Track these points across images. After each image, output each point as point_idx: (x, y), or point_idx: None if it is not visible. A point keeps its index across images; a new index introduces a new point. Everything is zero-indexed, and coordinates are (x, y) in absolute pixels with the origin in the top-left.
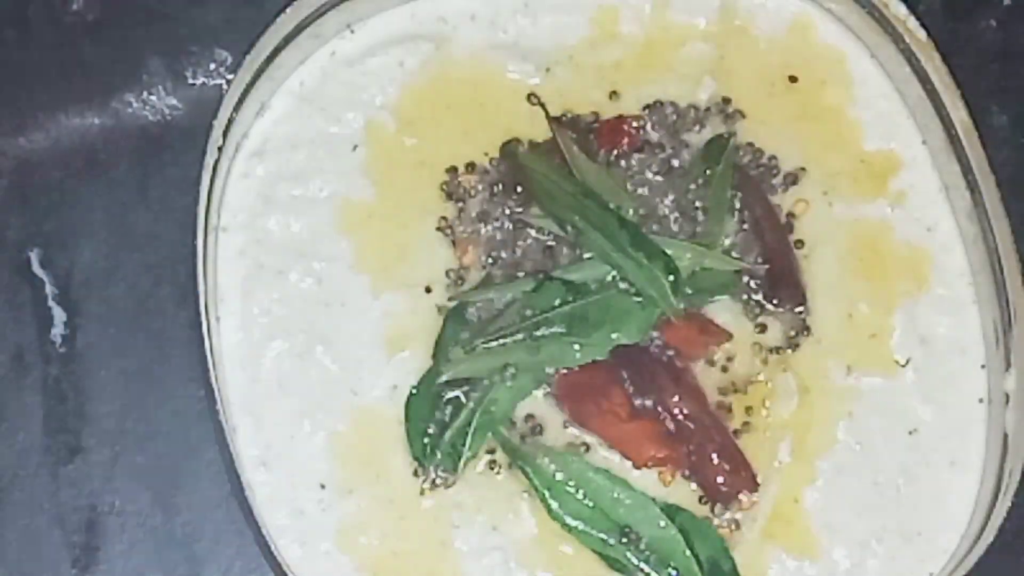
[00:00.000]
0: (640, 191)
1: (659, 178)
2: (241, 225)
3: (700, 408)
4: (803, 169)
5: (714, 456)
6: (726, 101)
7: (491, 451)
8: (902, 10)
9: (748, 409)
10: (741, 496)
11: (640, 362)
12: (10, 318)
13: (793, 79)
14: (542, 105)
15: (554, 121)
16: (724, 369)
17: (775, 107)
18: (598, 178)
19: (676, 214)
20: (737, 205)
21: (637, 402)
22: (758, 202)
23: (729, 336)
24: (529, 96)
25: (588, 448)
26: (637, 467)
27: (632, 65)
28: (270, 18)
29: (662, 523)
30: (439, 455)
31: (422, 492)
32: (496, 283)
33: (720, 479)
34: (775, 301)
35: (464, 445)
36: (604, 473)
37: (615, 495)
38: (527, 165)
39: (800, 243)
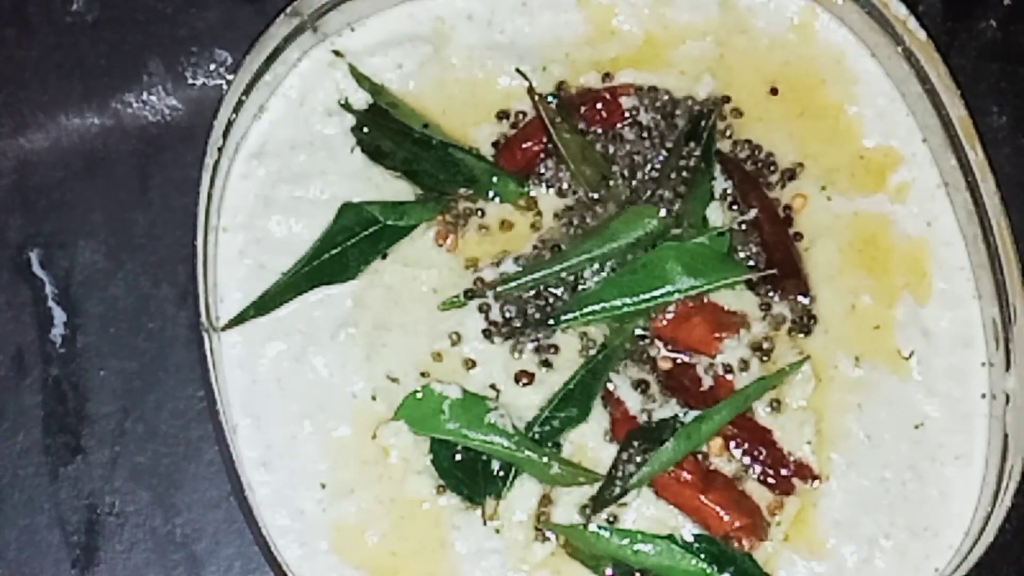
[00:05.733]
0: (625, 167)
1: (646, 154)
2: (241, 225)
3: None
4: (800, 165)
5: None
6: (726, 99)
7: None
8: (902, 10)
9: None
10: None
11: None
12: (10, 318)
13: (774, 91)
14: (524, 76)
15: (536, 94)
16: (755, 348)
17: (775, 105)
18: (583, 152)
19: (662, 191)
20: (728, 194)
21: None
22: (755, 196)
23: (744, 319)
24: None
25: None
26: (718, 536)
27: (630, 63)
28: (270, 18)
29: (694, 561)
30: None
31: (438, 492)
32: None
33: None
34: (778, 290)
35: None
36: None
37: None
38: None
39: (799, 236)
